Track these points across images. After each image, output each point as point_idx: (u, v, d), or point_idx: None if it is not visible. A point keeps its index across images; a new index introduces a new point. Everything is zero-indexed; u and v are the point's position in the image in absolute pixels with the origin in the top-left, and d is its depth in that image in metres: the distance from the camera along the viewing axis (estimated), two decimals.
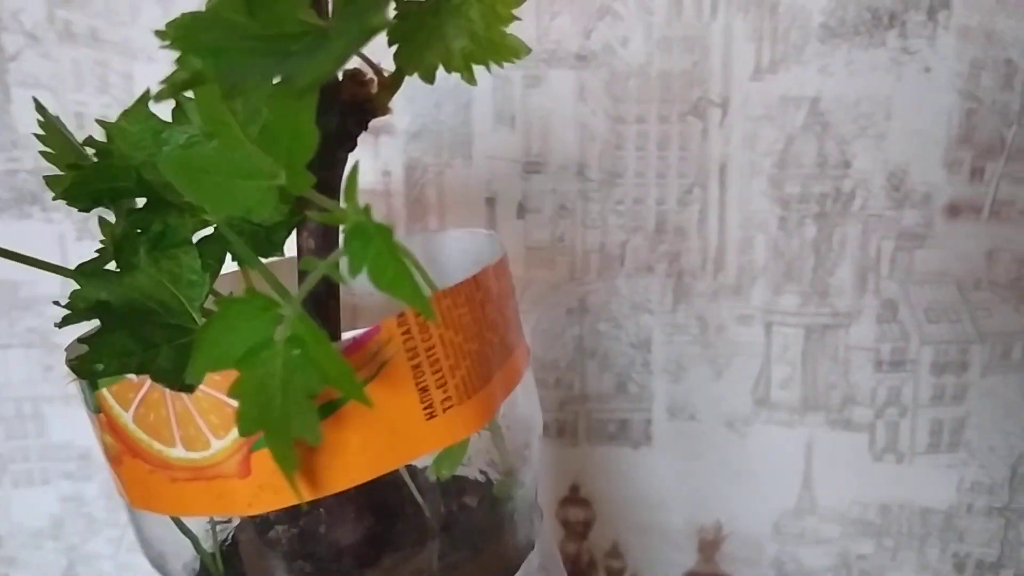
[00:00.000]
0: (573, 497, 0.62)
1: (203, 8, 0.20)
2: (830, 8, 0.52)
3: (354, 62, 0.27)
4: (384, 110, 0.28)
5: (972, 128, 0.52)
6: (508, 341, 0.31)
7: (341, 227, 0.23)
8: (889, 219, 0.54)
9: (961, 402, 0.56)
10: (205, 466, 0.27)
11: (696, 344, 0.58)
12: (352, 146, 0.28)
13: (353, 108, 0.27)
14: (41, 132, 0.31)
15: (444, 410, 0.27)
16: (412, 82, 0.28)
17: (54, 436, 0.63)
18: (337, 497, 0.32)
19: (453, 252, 0.39)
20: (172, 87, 0.18)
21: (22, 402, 0.63)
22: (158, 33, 0.19)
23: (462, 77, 0.28)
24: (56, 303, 0.29)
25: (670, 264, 0.57)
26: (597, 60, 0.55)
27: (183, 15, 0.19)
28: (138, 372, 0.27)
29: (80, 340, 0.29)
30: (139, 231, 0.29)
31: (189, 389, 0.26)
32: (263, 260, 0.26)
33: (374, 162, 0.57)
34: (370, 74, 0.27)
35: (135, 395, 0.28)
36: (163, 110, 0.27)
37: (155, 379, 0.27)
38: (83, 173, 0.29)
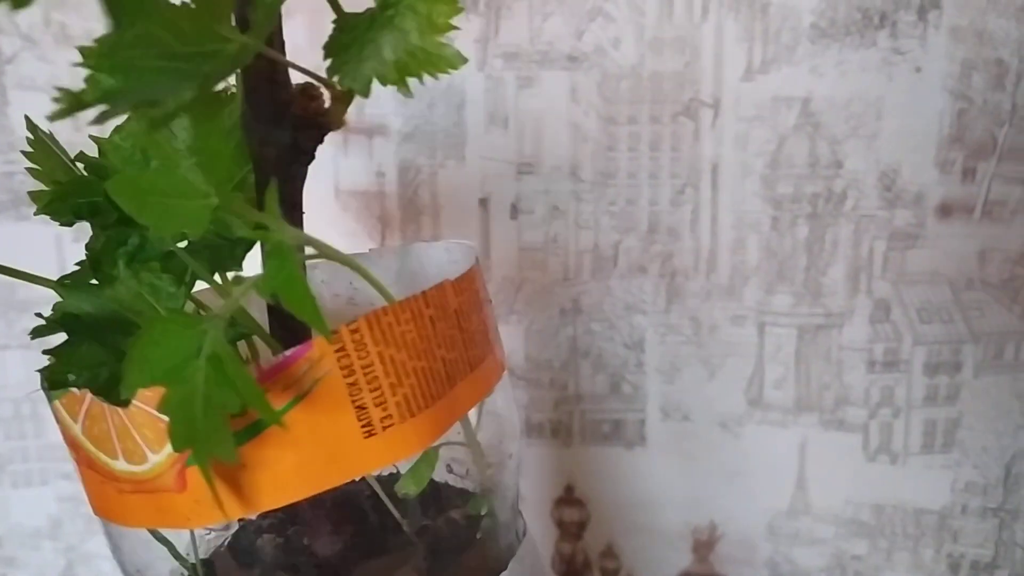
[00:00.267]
0: (567, 497, 0.62)
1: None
2: (820, 8, 0.52)
3: (302, 77, 0.27)
4: (338, 123, 0.27)
5: (964, 128, 0.52)
6: (470, 356, 0.30)
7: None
8: (881, 219, 0.54)
9: (954, 402, 0.56)
10: (145, 479, 0.27)
11: (689, 344, 0.58)
12: (308, 160, 0.28)
13: (305, 123, 0.27)
14: (29, 149, 0.31)
15: (384, 428, 0.27)
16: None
17: (52, 436, 0.64)
18: (315, 509, 0.32)
19: (442, 264, 0.38)
20: (71, 106, 0.18)
21: (20, 403, 0.63)
22: (81, 51, 0.19)
23: (398, 90, 0.27)
24: (38, 315, 0.30)
25: (663, 264, 0.57)
26: (589, 61, 0.55)
27: (108, 36, 0.19)
28: (109, 383, 0.27)
29: (46, 352, 0.29)
30: (117, 245, 0.29)
31: (124, 403, 0.26)
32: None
33: (368, 163, 0.58)
34: (322, 89, 0.27)
35: (80, 408, 0.28)
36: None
37: (95, 393, 0.27)
38: (63, 188, 0.30)
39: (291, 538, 0.34)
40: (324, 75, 0.27)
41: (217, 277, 0.30)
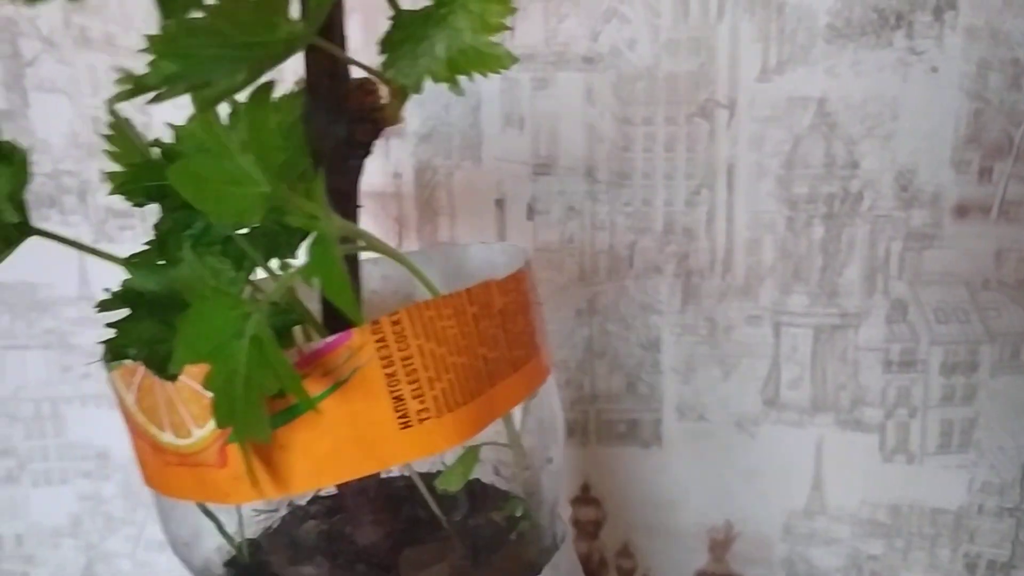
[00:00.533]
0: (584, 497, 0.62)
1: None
2: (836, 9, 0.52)
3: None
4: (394, 120, 0.28)
5: (980, 128, 0.52)
6: (514, 357, 0.30)
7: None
8: (897, 219, 0.54)
9: (971, 402, 0.56)
10: (188, 453, 0.28)
11: (705, 344, 0.58)
12: (364, 154, 0.28)
13: (361, 117, 0.27)
14: (109, 132, 0.32)
15: (420, 421, 0.27)
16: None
17: (72, 436, 0.64)
18: (358, 499, 0.33)
19: (498, 265, 0.37)
20: (133, 90, 0.19)
21: (40, 402, 0.64)
22: (147, 39, 0.19)
23: (448, 87, 0.28)
24: (106, 289, 0.31)
25: (678, 265, 0.57)
26: (604, 62, 0.55)
27: (171, 23, 0.19)
28: (164, 358, 0.28)
29: (109, 325, 0.30)
30: (183, 227, 0.30)
31: (172, 378, 0.27)
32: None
33: (384, 164, 0.58)
34: (379, 85, 0.28)
35: (134, 380, 0.29)
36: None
37: (147, 366, 0.28)
38: (136, 170, 0.31)
39: (335, 525, 0.35)
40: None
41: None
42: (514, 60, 0.28)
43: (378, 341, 0.26)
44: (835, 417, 0.58)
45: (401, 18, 0.28)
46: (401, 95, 0.28)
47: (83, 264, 0.61)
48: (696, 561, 0.62)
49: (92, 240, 0.61)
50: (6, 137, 0.29)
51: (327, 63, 0.26)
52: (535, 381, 0.33)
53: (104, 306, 0.30)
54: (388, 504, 0.34)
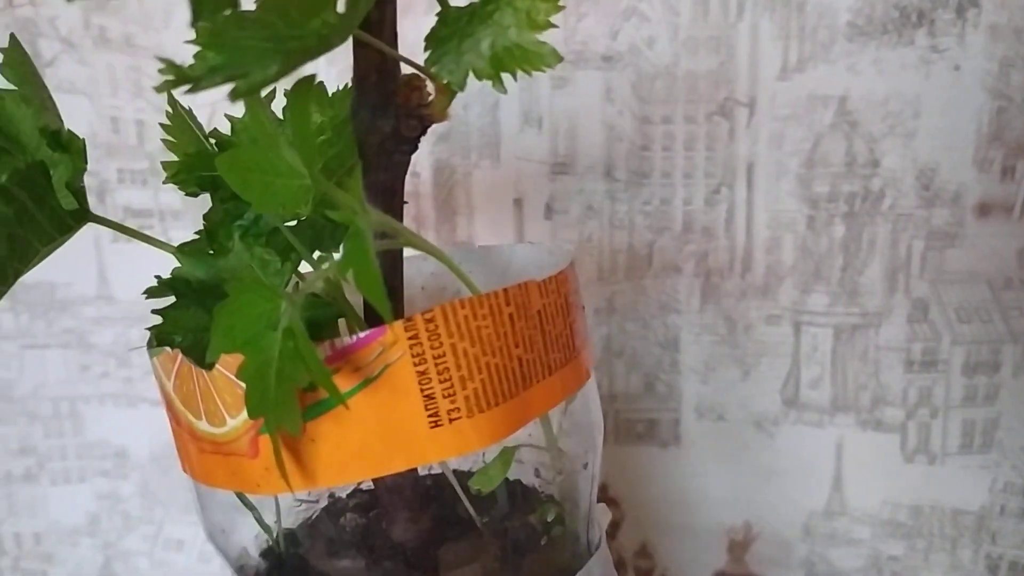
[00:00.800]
0: (602, 496, 0.62)
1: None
2: (857, 7, 0.52)
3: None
4: (441, 116, 0.28)
5: (1002, 126, 0.52)
6: (550, 359, 0.30)
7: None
8: (919, 218, 0.54)
9: (993, 402, 0.56)
10: (222, 442, 0.28)
11: (724, 344, 0.58)
12: (410, 150, 0.28)
13: (408, 113, 0.27)
14: (167, 122, 0.33)
15: (450, 420, 0.27)
16: None
17: (91, 435, 0.65)
18: (395, 496, 0.33)
19: (544, 266, 0.37)
20: (176, 80, 0.19)
21: (59, 401, 0.64)
22: (195, 30, 0.19)
23: (492, 85, 0.28)
24: (157, 277, 0.31)
25: (697, 264, 0.57)
26: (623, 61, 0.55)
27: (223, 16, 0.19)
28: (207, 347, 0.28)
29: (155, 311, 0.31)
30: (233, 218, 0.31)
31: (209, 367, 0.27)
32: None
33: None
34: (427, 81, 0.28)
35: (173, 366, 0.29)
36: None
37: (190, 354, 0.28)
38: (190, 160, 0.31)
39: (371, 520, 0.35)
40: None
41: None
42: (559, 59, 0.28)
43: (411, 338, 0.26)
44: (856, 417, 0.57)
45: (448, 15, 0.28)
46: (448, 92, 0.28)
47: (102, 264, 0.62)
48: (715, 562, 0.62)
49: (111, 240, 0.61)
50: None
51: (376, 58, 0.26)
52: (572, 385, 0.32)
53: (151, 293, 0.31)
54: (424, 502, 0.34)
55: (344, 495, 0.38)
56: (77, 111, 0.59)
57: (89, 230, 0.59)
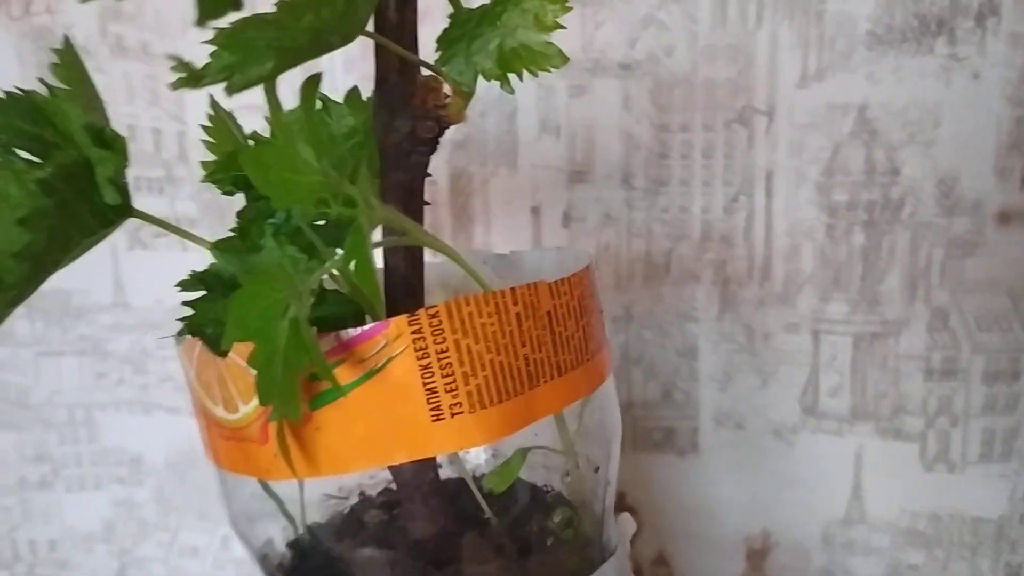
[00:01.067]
0: (619, 504, 0.62)
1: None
2: (877, 15, 0.52)
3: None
4: (457, 118, 0.28)
5: (1022, 135, 0.52)
6: (560, 360, 0.30)
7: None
8: (939, 227, 0.54)
9: (1013, 411, 0.56)
10: (236, 428, 0.29)
11: (743, 352, 0.58)
12: (428, 151, 0.29)
13: (425, 114, 0.28)
14: (209, 124, 0.33)
15: (452, 415, 0.27)
16: None
17: (106, 442, 0.65)
18: (415, 494, 0.33)
19: (569, 269, 0.38)
20: (190, 79, 0.19)
21: (75, 408, 0.64)
22: (214, 31, 0.19)
23: (500, 86, 0.28)
24: (193, 272, 0.32)
25: (716, 272, 0.57)
26: (641, 69, 0.55)
27: (247, 17, 0.20)
28: None
29: (186, 303, 0.31)
30: (266, 216, 0.31)
31: (223, 354, 0.28)
32: None
33: None
34: (444, 83, 0.28)
35: (193, 354, 0.30)
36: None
37: (204, 341, 0.29)
38: (226, 159, 0.32)
39: (394, 517, 0.36)
40: None
41: None
42: (565, 60, 0.28)
43: (414, 333, 0.26)
44: (875, 426, 0.57)
45: (459, 16, 0.28)
46: (464, 94, 0.28)
47: (117, 271, 0.62)
48: (733, 570, 0.62)
49: (128, 247, 0.61)
50: None
51: (394, 60, 0.27)
52: (584, 387, 0.33)
53: (184, 285, 0.32)
54: (442, 500, 0.34)
55: (374, 493, 0.39)
56: None
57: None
